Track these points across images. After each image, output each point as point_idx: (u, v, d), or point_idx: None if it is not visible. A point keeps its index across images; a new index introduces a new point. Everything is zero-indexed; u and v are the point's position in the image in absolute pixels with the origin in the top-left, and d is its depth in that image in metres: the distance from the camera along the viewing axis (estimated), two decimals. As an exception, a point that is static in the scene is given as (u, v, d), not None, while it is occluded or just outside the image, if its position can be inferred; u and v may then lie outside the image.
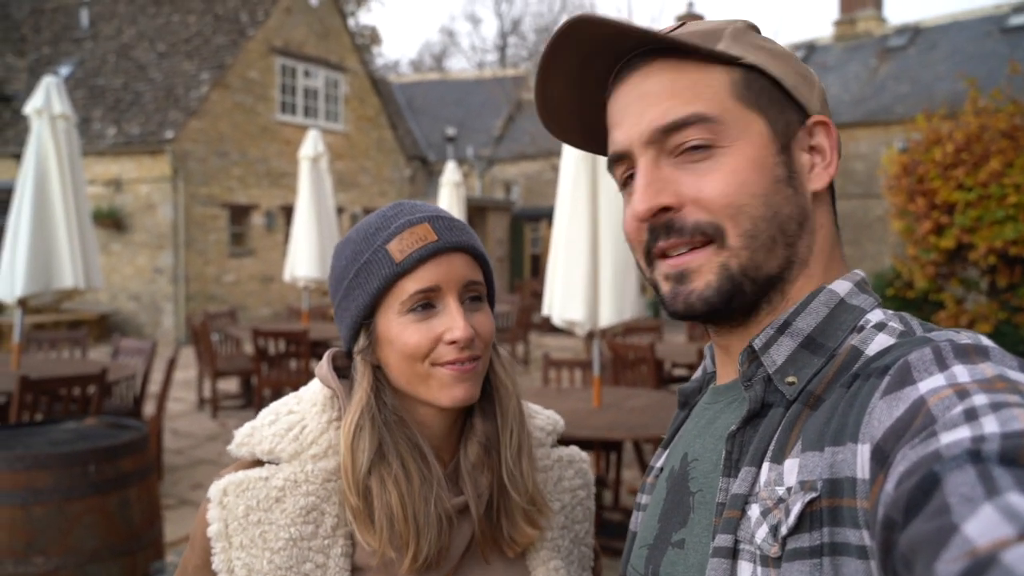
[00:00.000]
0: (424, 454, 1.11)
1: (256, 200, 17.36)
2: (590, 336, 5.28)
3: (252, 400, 9.02)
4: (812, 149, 0.86)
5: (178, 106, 16.17)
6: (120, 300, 16.21)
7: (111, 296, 16.16)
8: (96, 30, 19.47)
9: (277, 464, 1.09)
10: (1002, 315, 9.37)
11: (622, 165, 0.88)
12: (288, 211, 16.34)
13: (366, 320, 1.12)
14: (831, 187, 0.88)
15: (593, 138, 0.96)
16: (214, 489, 1.08)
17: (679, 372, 7.91)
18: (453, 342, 1.08)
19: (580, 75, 0.88)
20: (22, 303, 5.96)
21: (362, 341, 1.13)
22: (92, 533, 3.15)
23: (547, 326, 14.62)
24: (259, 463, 1.11)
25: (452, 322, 1.08)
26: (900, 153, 10.44)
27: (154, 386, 7.93)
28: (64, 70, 18.28)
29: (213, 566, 1.06)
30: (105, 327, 15.81)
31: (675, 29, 0.87)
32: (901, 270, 10.29)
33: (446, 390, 1.09)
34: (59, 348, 7.64)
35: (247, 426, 1.13)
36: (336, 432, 1.11)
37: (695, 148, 0.81)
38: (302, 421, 1.13)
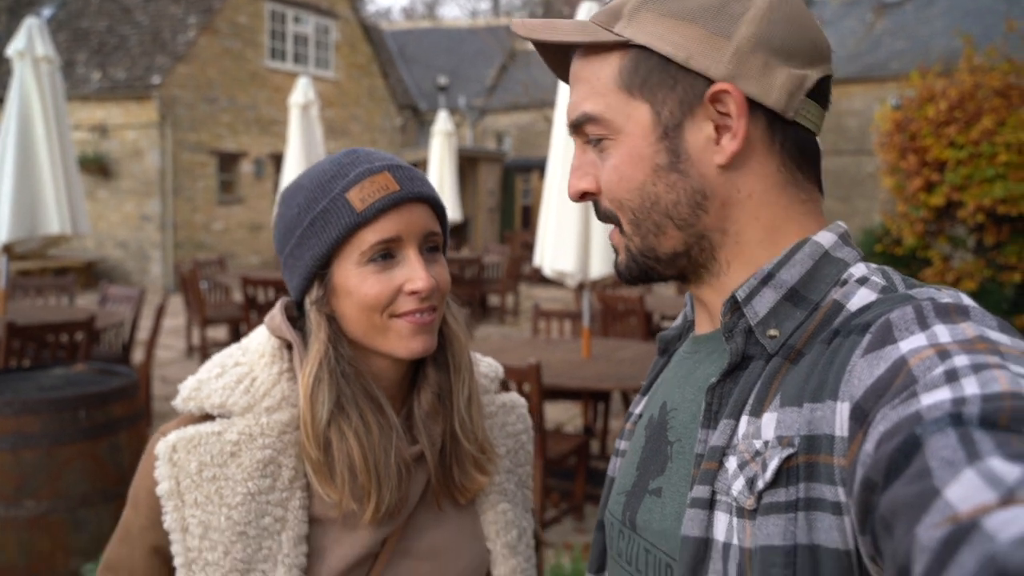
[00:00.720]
0: (380, 404, 1.11)
1: (245, 147, 17.17)
2: (580, 287, 5.29)
3: (241, 348, 9.02)
4: (724, 116, 0.80)
5: (165, 51, 15.88)
6: (107, 247, 16.10)
7: (97, 243, 16.05)
8: (80, -30, 19.01)
9: (229, 418, 1.07)
10: (987, 272, 9.43)
11: None
12: (277, 159, 16.19)
13: (321, 270, 1.09)
14: (802, 144, 0.83)
15: None
16: (162, 446, 1.05)
17: (668, 324, 7.94)
18: (414, 292, 1.06)
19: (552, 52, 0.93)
20: (7, 249, 5.91)
21: (316, 291, 1.10)
22: (82, 478, 3.17)
23: (537, 277, 14.67)
24: (207, 418, 1.08)
25: (413, 273, 1.07)
26: (893, 110, 10.38)
27: (142, 333, 7.93)
28: (46, 11, 17.88)
29: (164, 525, 1.04)
30: (91, 274, 15.73)
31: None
32: (890, 227, 10.31)
33: (404, 342, 1.08)
34: (45, 295, 7.60)
35: (192, 380, 1.10)
36: (288, 383, 1.10)
37: (597, 140, 0.85)
38: (251, 373, 1.10)
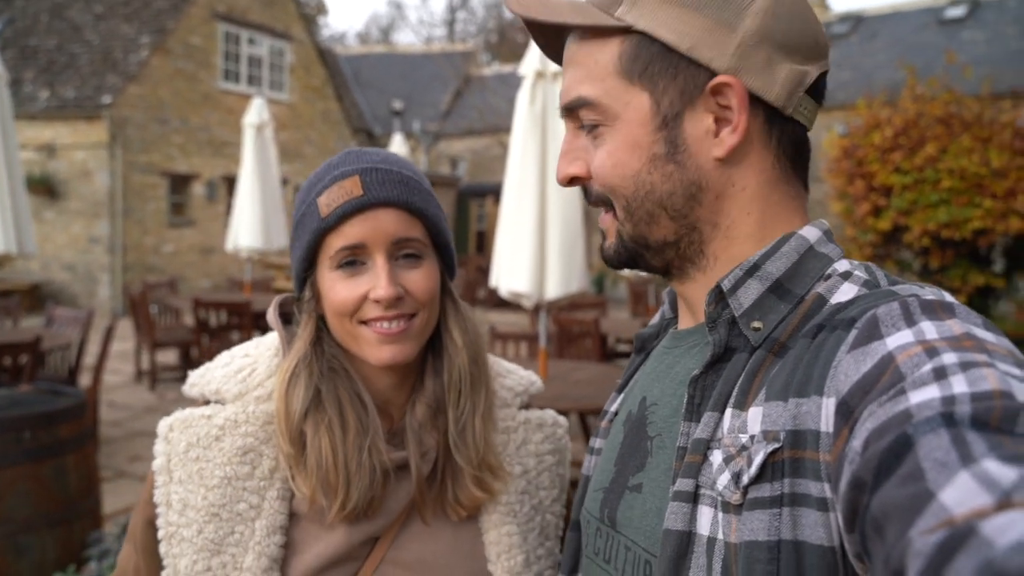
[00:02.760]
0: (365, 404, 1.10)
1: (197, 169, 16.95)
2: (536, 310, 5.31)
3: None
4: (724, 108, 0.79)
5: (116, 70, 15.64)
6: (53, 270, 15.71)
7: (43, 265, 15.64)
8: (28, -11, 18.68)
9: (222, 404, 1.11)
10: (933, 296, 9.68)
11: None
12: (230, 181, 16.03)
13: (306, 272, 1.11)
14: (797, 141, 0.84)
15: None
16: (162, 425, 1.10)
17: (623, 348, 8.00)
18: (377, 301, 1.06)
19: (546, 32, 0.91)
20: (-51, 268, 5.75)
21: (307, 292, 1.12)
22: (25, 502, 3.06)
23: (492, 301, 14.68)
24: (208, 403, 1.12)
25: (377, 280, 1.05)
26: (841, 137, 10.66)
27: (89, 358, 7.73)
28: (-6, 29, 17.53)
29: (154, 499, 1.08)
30: (37, 297, 15.31)
31: None
32: (839, 251, 10.55)
33: (372, 350, 1.08)
34: (-12, 317, 7.38)
35: (202, 368, 1.16)
36: None
37: (591, 126, 0.84)
38: (254, 364, 1.14)
